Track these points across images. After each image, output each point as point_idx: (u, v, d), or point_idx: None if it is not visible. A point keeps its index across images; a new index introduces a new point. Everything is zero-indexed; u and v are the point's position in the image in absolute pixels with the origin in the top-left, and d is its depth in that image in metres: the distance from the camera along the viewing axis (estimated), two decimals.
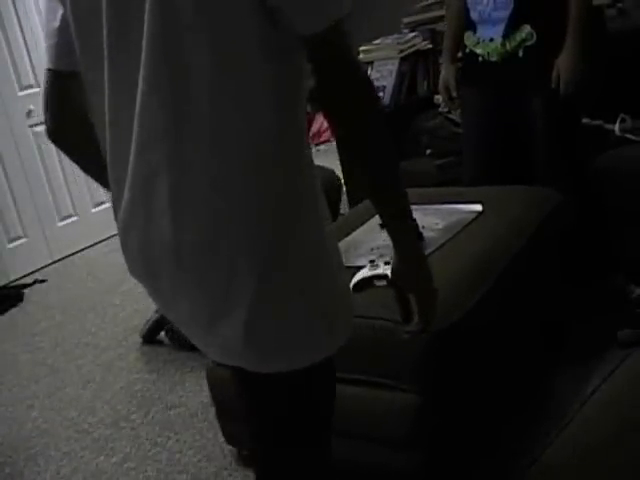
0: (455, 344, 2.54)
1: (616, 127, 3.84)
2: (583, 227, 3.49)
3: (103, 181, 1.74)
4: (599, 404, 1.84)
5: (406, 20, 5.37)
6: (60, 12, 1.66)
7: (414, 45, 5.12)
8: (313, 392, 1.70)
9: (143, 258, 1.64)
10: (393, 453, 2.56)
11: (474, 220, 3.13)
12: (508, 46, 3.47)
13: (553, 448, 1.69)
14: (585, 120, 3.83)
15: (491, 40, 3.52)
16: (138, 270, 1.69)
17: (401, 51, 5.07)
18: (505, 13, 3.45)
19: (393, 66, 5.05)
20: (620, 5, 4.52)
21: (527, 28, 3.42)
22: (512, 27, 3.45)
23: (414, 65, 5.15)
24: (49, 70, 1.75)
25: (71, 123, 1.78)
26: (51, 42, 1.71)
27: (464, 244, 2.95)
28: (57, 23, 1.68)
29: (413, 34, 5.18)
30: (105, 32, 1.52)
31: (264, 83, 1.46)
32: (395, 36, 5.22)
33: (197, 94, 1.45)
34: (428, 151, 4.61)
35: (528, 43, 3.43)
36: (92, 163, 1.79)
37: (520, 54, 3.46)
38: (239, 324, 1.53)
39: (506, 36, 3.47)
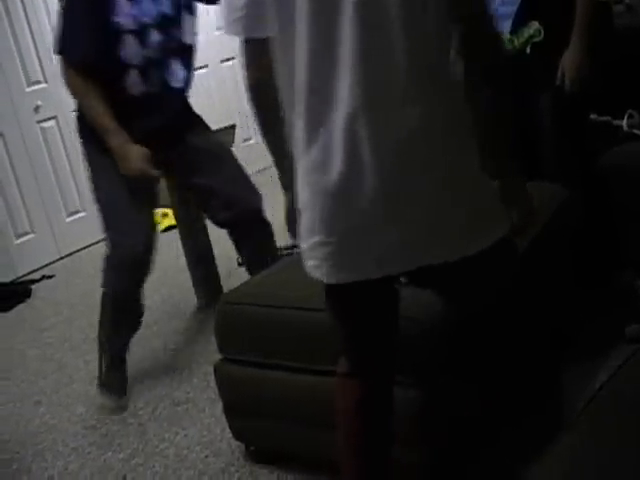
0: (460, 340, 2.54)
1: (624, 123, 3.83)
2: (591, 223, 3.48)
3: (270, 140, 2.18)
4: (607, 400, 1.84)
5: None
6: None
7: None
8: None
9: (384, 198, 1.95)
10: (403, 450, 2.56)
11: None
12: (516, 42, 3.46)
13: (560, 445, 1.69)
14: (593, 116, 3.82)
15: None
16: (371, 215, 1.97)
17: None
18: (512, 8, 3.44)
19: None
20: (628, 1, 4.51)
21: (535, 24, 3.41)
22: (520, 23, 3.44)
23: None
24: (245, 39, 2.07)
25: (264, 82, 2.07)
26: (240, 14, 1.98)
27: None
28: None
29: None
30: None
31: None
32: None
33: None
34: None
35: (536, 39, 3.42)
36: (273, 121, 2.12)
37: (528, 50, 3.45)
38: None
39: (514, 32, 3.46)
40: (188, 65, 3.88)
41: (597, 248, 3.59)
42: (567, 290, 3.39)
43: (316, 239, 2.04)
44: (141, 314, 4.05)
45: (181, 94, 3.94)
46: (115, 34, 3.57)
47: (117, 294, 3.92)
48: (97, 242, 6.70)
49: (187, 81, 3.90)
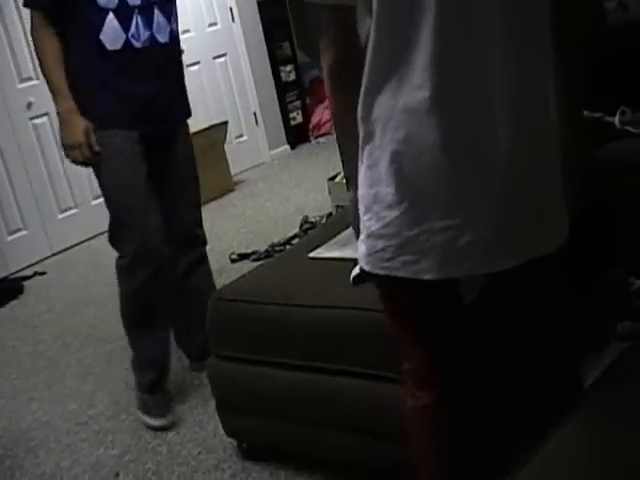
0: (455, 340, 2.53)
1: (616, 119, 3.84)
2: (583, 220, 3.48)
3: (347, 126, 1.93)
4: (599, 397, 1.84)
5: None
6: None
7: None
8: None
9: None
10: (395, 447, 2.56)
11: None
12: None
13: (552, 442, 1.69)
14: (585, 112, 3.82)
15: None
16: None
17: None
18: None
19: None
20: None
21: None
22: None
23: None
24: (332, 7, 1.82)
25: (354, 57, 1.84)
26: None
27: None
28: None
29: None
30: None
31: None
32: None
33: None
34: None
35: None
36: (353, 104, 1.87)
37: None
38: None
39: None
40: (171, 16, 3.53)
41: (590, 245, 3.59)
42: (559, 287, 3.39)
43: (420, 228, 1.83)
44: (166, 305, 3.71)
45: (170, 53, 3.59)
46: None
47: (141, 293, 3.57)
48: (89, 239, 6.71)
49: (173, 36, 3.56)
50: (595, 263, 3.64)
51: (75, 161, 3.54)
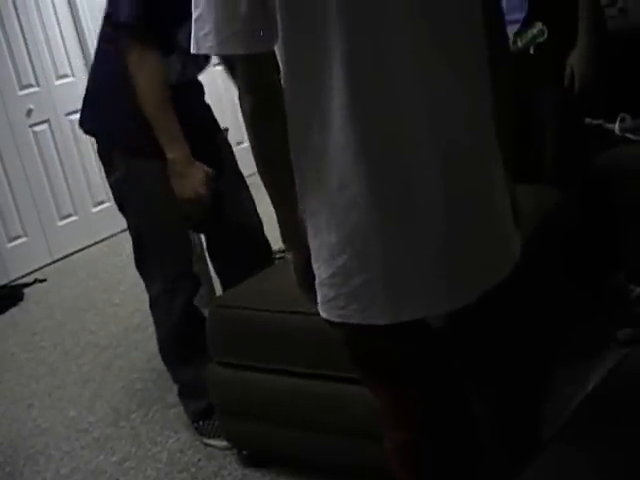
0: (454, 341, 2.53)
1: (616, 126, 3.85)
2: (584, 226, 3.49)
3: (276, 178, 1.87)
4: (598, 403, 1.84)
5: None
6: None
7: None
8: None
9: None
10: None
11: None
12: (519, 43, 3.46)
13: (550, 449, 1.69)
14: (586, 119, 3.83)
15: None
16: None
17: None
18: (520, 15, 3.45)
19: None
20: (620, 5, 4.53)
21: (539, 25, 3.41)
22: (523, 24, 3.45)
23: None
24: (244, 55, 1.72)
25: (273, 105, 1.77)
26: (240, 26, 1.66)
27: None
28: (244, 8, 1.63)
29: None
30: None
31: None
32: None
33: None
34: None
35: (539, 40, 3.43)
36: (281, 154, 1.81)
37: (532, 51, 3.46)
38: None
39: (518, 33, 3.47)
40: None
41: (590, 251, 3.59)
42: (560, 292, 3.39)
43: (365, 276, 1.79)
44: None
45: (201, 87, 3.58)
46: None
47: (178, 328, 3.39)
48: (90, 246, 6.72)
49: (201, 71, 3.48)
50: (595, 269, 3.64)
51: (194, 216, 3.26)
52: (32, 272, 6.39)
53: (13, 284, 6.19)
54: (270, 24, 1.65)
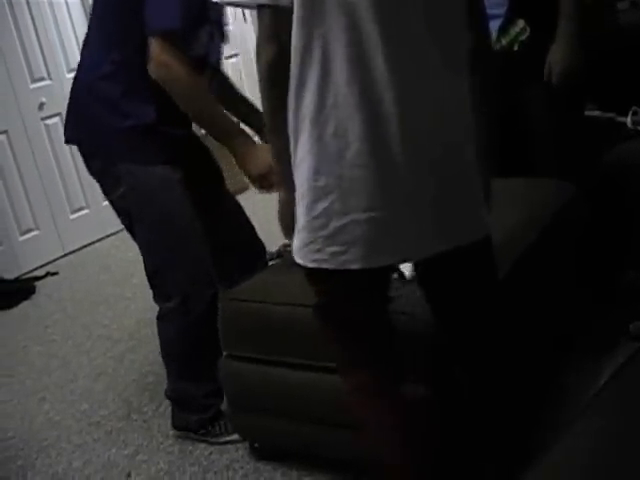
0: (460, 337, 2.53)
1: (628, 120, 3.84)
2: (596, 220, 3.48)
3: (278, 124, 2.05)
4: (611, 397, 1.83)
5: None
6: None
7: None
8: None
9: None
10: None
11: None
12: (503, 41, 3.47)
13: (564, 442, 1.68)
14: (597, 113, 3.82)
15: None
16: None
17: None
18: (500, 11, 3.44)
19: None
20: None
21: (521, 23, 3.42)
22: (506, 22, 3.45)
23: None
24: (269, 6, 1.98)
25: (284, 57, 1.98)
26: None
27: None
28: None
29: None
30: None
31: None
32: None
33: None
34: None
35: (522, 37, 3.43)
36: (284, 103, 2.01)
37: (515, 48, 3.46)
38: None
39: (501, 31, 3.47)
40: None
41: (604, 245, 3.58)
42: (572, 287, 3.38)
43: (347, 219, 1.91)
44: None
45: None
46: (204, 12, 3.00)
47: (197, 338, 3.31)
48: (101, 239, 6.73)
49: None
50: (608, 264, 3.64)
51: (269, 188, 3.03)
52: (44, 265, 6.40)
53: (25, 277, 6.20)
54: None
